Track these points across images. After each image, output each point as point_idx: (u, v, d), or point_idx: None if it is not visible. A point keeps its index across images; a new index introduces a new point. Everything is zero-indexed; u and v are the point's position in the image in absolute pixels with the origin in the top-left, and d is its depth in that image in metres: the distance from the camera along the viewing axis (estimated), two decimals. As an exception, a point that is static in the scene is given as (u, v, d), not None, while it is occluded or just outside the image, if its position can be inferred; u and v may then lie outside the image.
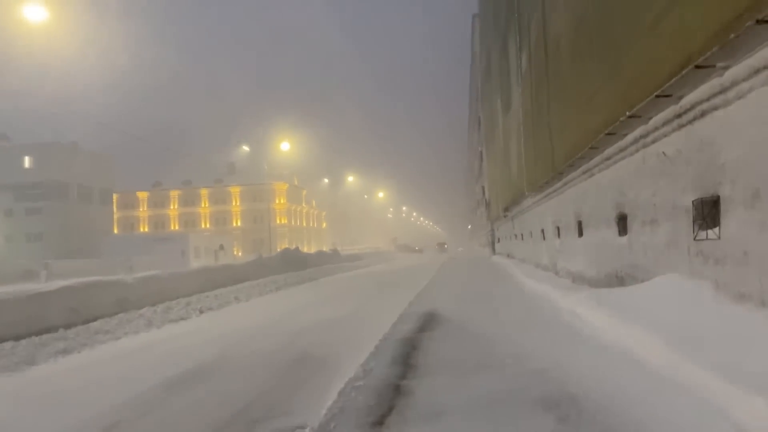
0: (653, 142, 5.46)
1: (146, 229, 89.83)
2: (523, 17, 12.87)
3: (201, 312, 13.39)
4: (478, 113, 39.95)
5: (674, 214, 5.04)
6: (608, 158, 7.04)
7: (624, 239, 6.75)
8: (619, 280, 6.99)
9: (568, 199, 10.04)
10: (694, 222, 4.57)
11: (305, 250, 79.94)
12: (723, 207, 4.05)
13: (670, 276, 5.12)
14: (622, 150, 6.44)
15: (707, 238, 4.32)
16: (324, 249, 74.22)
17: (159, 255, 53.93)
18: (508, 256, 23.84)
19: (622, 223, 6.86)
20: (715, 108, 4.04)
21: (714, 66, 3.85)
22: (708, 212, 4.29)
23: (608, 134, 6.34)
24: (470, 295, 12.44)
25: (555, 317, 7.94)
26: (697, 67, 3.84)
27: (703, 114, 4.26)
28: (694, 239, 4.57)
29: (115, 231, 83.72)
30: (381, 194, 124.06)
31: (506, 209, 21.72)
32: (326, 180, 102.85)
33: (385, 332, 8.39)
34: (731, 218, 3.93)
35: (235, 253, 74.16)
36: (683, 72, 4.01)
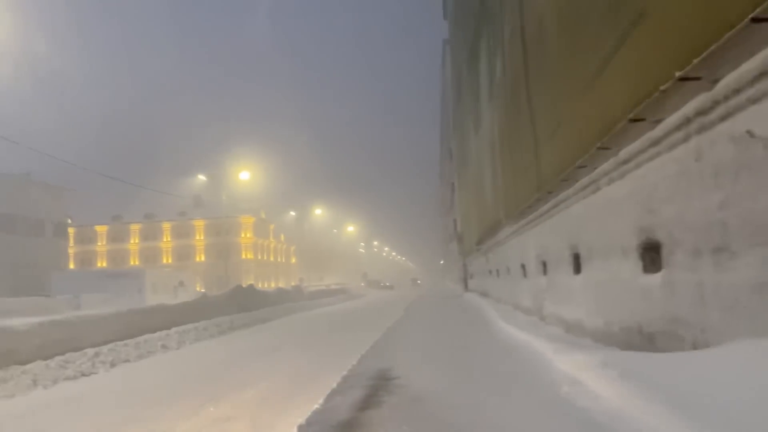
0: (723, 119, 3.32)
1: (105, 265, 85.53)
2: (495, 14, 10.97)
3: (112, 365, 10.96)
4: (450, 144, 38.29)
5: (778, 237, 2.86)
6: (627, 160, 4.90)
7: (655, 278, 4.57)
8: (646, 338, 4.77)
9: (559, 224, 7.89)
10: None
11: (273, 286, 76.75)
12: None
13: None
14: (654, 143, 4.30)
15: None
16: (293, 284, 71.20)
17: (113, 292, 50.40)
18: (482, 294, 21.62)
19: (651, 254, 4.69)
20: None
21: None
22: None
23: (633, 121, 4.21)
24: (436, 345, 10.10)
25: (551, 388, 5.66)
26: None
27: None
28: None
29: (72, 266, 79.40)
30: (351, 228, 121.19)
31: (479, 242, 19.60)
32: (293, 213, 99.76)
33: (316, 407, 6.07)
34: None
35: (197, 289, 70.65)
36: None
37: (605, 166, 5.43)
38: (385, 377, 7.40)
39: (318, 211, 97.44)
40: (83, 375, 9.99)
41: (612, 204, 5.54)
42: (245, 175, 52.02)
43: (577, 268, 7.06)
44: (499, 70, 11.29)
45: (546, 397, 5.44)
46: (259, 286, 70.34)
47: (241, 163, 55.65)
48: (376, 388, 6.66)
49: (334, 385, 7.15)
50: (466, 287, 30.09)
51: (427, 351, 9.39)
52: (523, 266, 11.32)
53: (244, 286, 27.16)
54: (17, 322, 12.31)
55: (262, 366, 10.03)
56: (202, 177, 63.30)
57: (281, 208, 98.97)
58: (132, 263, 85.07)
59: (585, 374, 5.26)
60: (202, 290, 69.32)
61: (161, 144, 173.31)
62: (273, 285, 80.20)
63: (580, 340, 6.89)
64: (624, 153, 4.92)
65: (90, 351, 12.03)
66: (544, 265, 9.12)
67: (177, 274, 67.65)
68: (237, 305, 22.88)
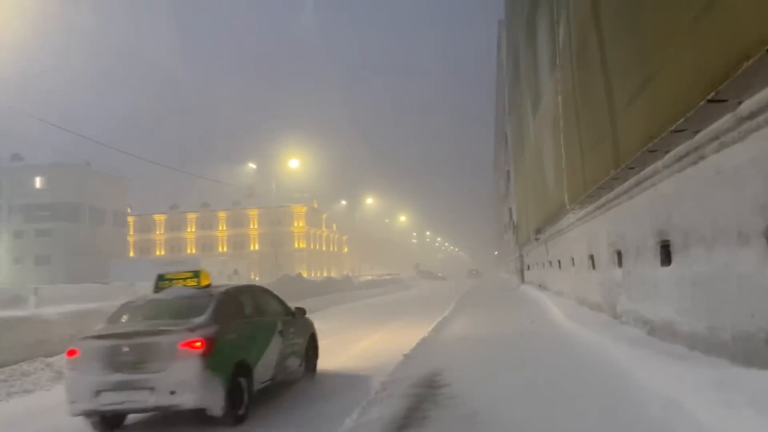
0: None
1: (163, 253, 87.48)
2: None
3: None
4: (505, 129, 36.69)
5: None
6: (755, 113, 3.66)
7: (797, 271, 3.34)
8: (781, 352, 3.55)
9: (641, 207, 6.62)
10: None
11: (324, 275, 76.58)
12: None
13: None
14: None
15: None
16: (346, 272, 70.85)
17: (169, 280, 50.92)
18: (539, 286, 20.24)
19: (788, 239, 3.46)
20: None
21: None
22: None
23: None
24: (492, 345, 8.95)
25: (636, 409, 4.47)
26: None
27: None
28: None
29: (132, 254, 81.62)
30: (403, 218, 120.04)
31: (538, 231, 18.21)
32: (344, 202, 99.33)
33: (346, 423, 5.12)
34: None
35: (252, 277, 71.29)
36: None
37: (716, 125, 4.19)
38: (431, 382, 6.35)
39: (369, 200, 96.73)
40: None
41: (723, 176, 4.30)
42: (294, 162, 51.68)
43: (666, 258, 5.80)
44: (563, 35, 9.98)
45: (629, 421, 4.28)
46: (312, 275, 70.40)
47: (291, 152, 55.46)
48: (421, 398, 5.63)
49: (372, 393, 6.17)
50: (522, 279, 28.65)
51: (481, 353, 8.27)
52: (591, 257, 10.03)
53: (291, 275, 26.59)
54: (50, 310, 11.88)
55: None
56: (252, 165, 63.50)
57: (333, 198, 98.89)
58: (189, 252, 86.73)
59: (687, 394, 4.06)
60: (256, 279, 69.88)
61: (216, 135, 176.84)
62: (325, 274, 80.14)
63: (670, 346, 5.64)
64: (749, 105, 3.69)
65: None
66: (619, 255, 7.84)
67: (231, 262, 68.42)
68: (284, 294, 22.26)
